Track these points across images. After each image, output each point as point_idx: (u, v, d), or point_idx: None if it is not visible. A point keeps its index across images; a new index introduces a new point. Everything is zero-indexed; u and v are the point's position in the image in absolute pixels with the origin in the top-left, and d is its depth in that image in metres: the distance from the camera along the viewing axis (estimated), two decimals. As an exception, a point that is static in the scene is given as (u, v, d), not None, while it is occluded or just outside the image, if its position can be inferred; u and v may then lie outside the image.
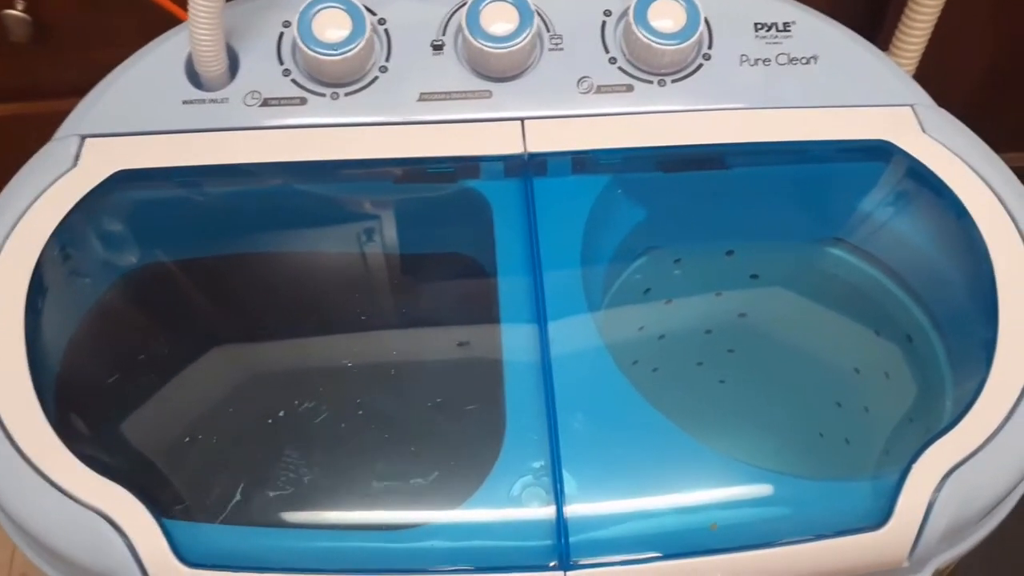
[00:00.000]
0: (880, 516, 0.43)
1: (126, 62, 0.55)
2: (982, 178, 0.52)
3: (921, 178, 0.53)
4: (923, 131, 0.54)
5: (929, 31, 0.75)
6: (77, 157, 0.52)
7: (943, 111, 0.56)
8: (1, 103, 0.76)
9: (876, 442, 0.59)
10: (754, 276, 0.63)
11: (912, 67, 0.78)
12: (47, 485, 0.43)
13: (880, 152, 0.54)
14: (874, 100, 0.55)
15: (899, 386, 0.58)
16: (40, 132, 0.54)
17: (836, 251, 0.59)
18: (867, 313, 0.60)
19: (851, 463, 0.64)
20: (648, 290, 0.63)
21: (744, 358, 0.69)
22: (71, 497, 0.42)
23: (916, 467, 0.44)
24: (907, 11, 0.74)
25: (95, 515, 0.42)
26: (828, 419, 0.67)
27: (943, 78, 0.77)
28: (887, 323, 0.59)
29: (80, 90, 0.55)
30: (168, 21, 0.58)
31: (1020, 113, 0.91)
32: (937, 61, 0.79)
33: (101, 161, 0.51)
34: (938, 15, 0.74)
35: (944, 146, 0.54)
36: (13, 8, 0.69)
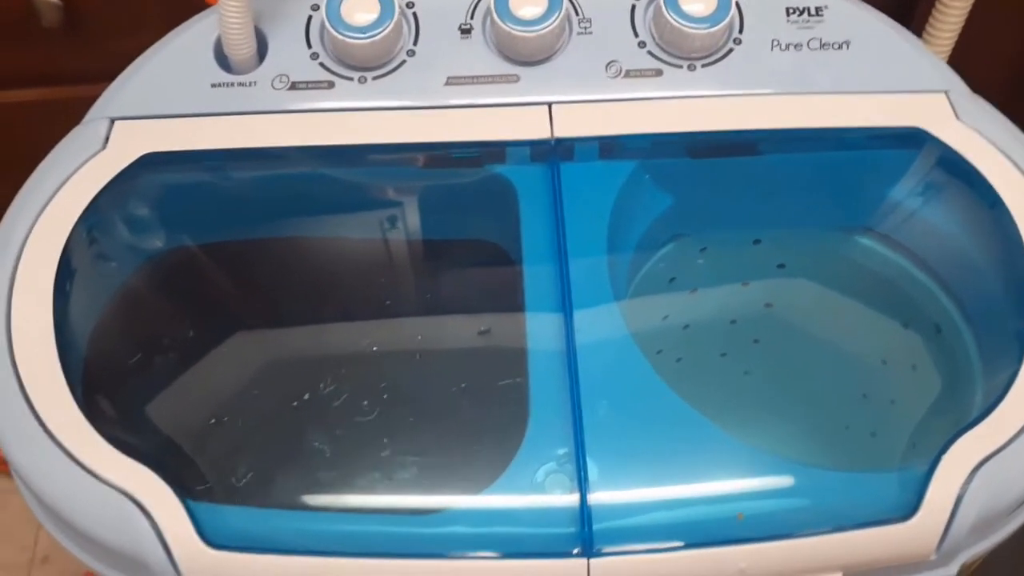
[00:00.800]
0: (908, 508, 0.43)
1: (155, 45, 0.55)
2: (1018, 167, 0.51)
3: (955, 166, 0.53)
4: (957, 118, 0.53)
5: (964, 16, 0.74)
6: (107, 139, 0.52)
7: (978, 98, 0.55)
8: (32, 87, 0.77)
9: (902, 435, 0.58)
10: (781, 266, 0.63)
11: (946, 53, 0.77)
12: (74, 465, 0.43)
13: (913, 139, 0.53)
14: (907, 86, 0.54)
15: (927, 378, 0.57)
16: (70, 116, 0.54)
17: (865, 241, 0.58)
18: (895, 304, 0.59)
19: (877, 456, 0.63)
20: (673, 279, 0.62)
21: (769, 349, 0.69)
22: (98, 477, 0.43)
23: (946, 459, 0.43)
24: (938, 4, 0.73)
25: (121, 495, 0.42)
26: (854, 411, 0.66)
27: (973, 64, 0.75)
28: (916, 314, 0.58)
29: (110, 75, 0.55)
30: (197, 9, 0.58)
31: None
32: (966, 48, 0.78)
33: (130, 143, 0.52)
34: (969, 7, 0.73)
35: (979, 133, 0.53)
36: (44, -7, 0.69)
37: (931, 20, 0.74)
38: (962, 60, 0.72)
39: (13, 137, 0.77)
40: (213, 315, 0.56)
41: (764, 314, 0.67)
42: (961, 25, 0.74)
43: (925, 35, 0.76)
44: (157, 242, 0.54)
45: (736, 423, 0.51)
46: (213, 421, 0.52)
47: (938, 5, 0.73)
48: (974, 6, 0.72)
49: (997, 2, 0.74)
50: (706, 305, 0.66)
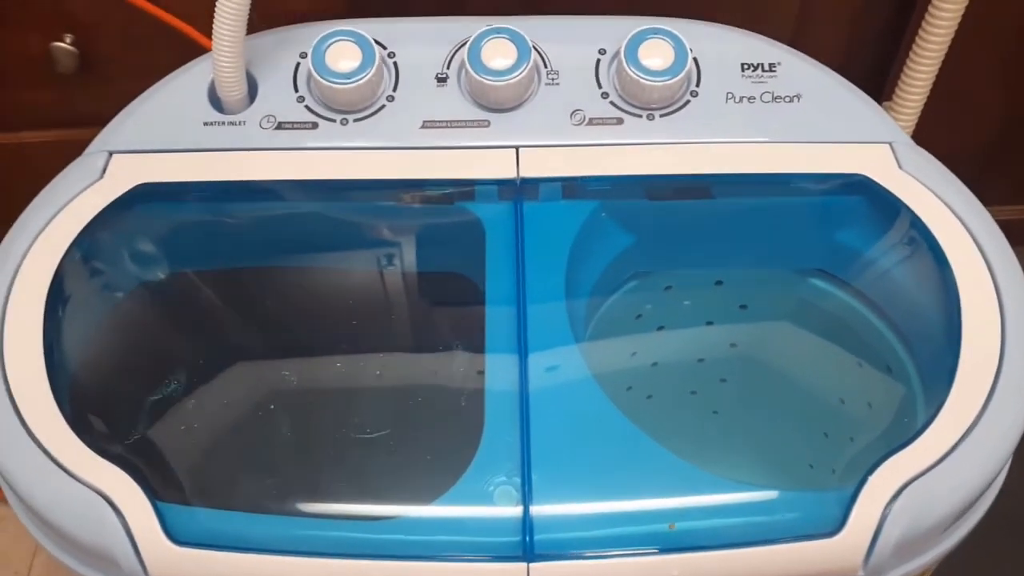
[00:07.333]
0: (835, 524, 0.45)
1: (155, 86, 0.59)
2: (955, 213, 0.54)
3: (896, 212, 0.56)
4: (900, 167, 0.56)
5: (927, 90, 0.77)
6: (104, 170, 0.56)
7: (920, 149, 0.58)
8: (47, 129, 0.81)
9: (861, 471, 0.60)
10: (743, 307, 0.65)
11: (911, 123, 0.80)
12: (54, 466, 0.46)
13: (858, 186, 0.56)
14: (854, 137, 0.58)
15: (881, 416, 0.59)
16: (81, 157, 0.58)
17: (819, 282, 0.61)
18: (850, 344, 0.61)
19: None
20: (639, 316, 0.65)
21: (736, 388, 0.71)
22: (74, 477, 0.46)
23: (872, 479, 0.45)
24: (906, 69, 0.76)
25: (94, 494, 0.45)
26: (817, 450, 0.68)
27: (953, 133, 0.78)
28: (868, 353, 0.60)
29: (119, 119, 0.59)
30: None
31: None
32: (947, 116, 0.81)
33: (125, 174, 0.56)
34: (936, 72, 0.76)
35: (919, 182, 0.56)
36: (61, 41, 0.74)
37: (897, 91, 0.78)
38: (938, 130, 0.74)
39: (30, 175, 0.81)
40: (189, 332, 0.59)
41: (730, 354, 0.69)
42: (924, 98, 0.78)
43: (894, 99, 0.79)
44: (146, 264, 0.58)
45: (704, 461, 0.53)
46: (183, 428, 0.55)
47: (903, 78, 0.77)
48: (948, 79, 0.75)
49: (970, 76, 0.77)
50: (673, 344, 0.68)
